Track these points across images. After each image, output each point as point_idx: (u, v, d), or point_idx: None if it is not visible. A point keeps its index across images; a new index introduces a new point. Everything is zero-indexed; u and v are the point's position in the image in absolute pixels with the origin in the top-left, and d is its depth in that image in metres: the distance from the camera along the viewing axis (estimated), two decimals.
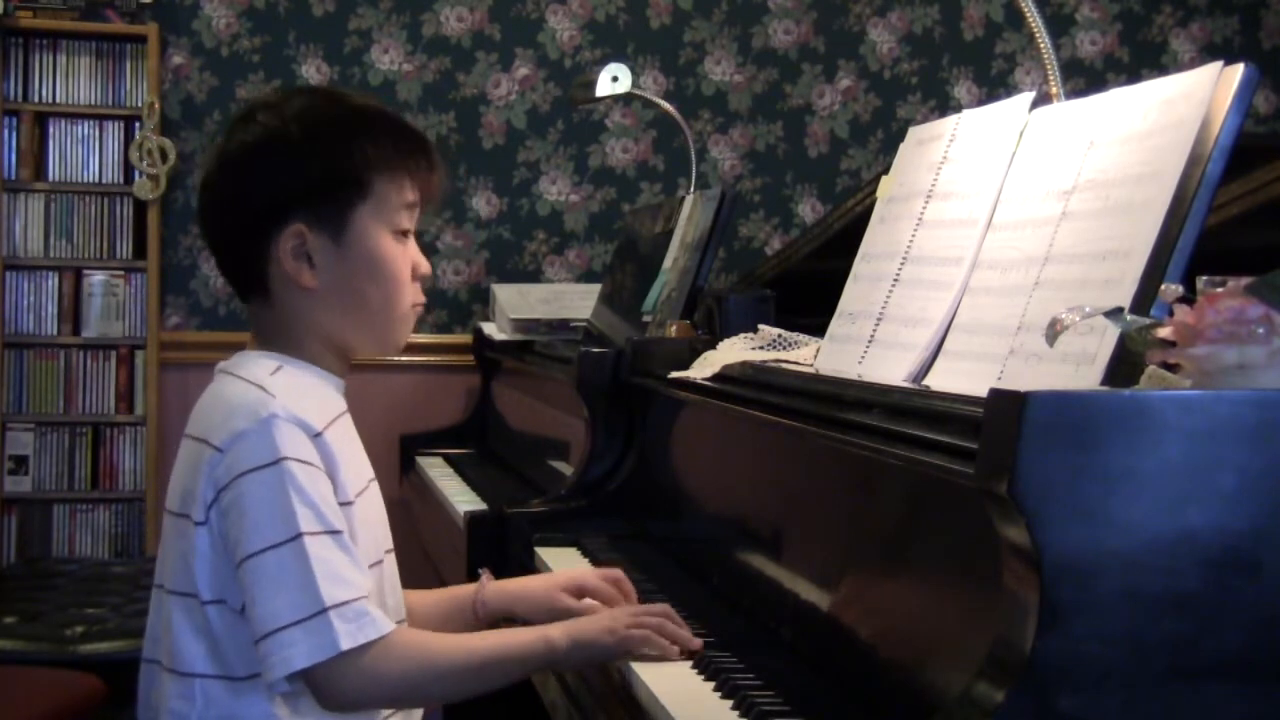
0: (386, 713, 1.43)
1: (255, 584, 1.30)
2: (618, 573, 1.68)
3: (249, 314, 1.48)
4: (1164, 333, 1.07)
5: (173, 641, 1.37)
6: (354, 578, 1.33)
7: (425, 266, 1.48)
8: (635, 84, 3.33)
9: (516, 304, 3.49)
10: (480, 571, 1.69)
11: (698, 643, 1.49)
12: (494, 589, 1.65)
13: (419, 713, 1.51)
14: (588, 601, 1.61)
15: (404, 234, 1.46)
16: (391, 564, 1.51)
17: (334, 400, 1.45)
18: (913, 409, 1.27)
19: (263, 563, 1.30)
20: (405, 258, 1.46)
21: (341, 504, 1.37)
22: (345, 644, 1.29)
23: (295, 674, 1.30)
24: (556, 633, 1.45)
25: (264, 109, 1.45)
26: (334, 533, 1.33)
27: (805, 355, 1.87)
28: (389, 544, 1.51)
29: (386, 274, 1.44)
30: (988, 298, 1.46)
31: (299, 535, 1.30)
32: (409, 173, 1.45)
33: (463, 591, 1.67)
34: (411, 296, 1.47)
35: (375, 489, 1.49)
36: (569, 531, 2.24)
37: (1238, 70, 1.24)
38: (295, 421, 1.34)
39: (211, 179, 1.46)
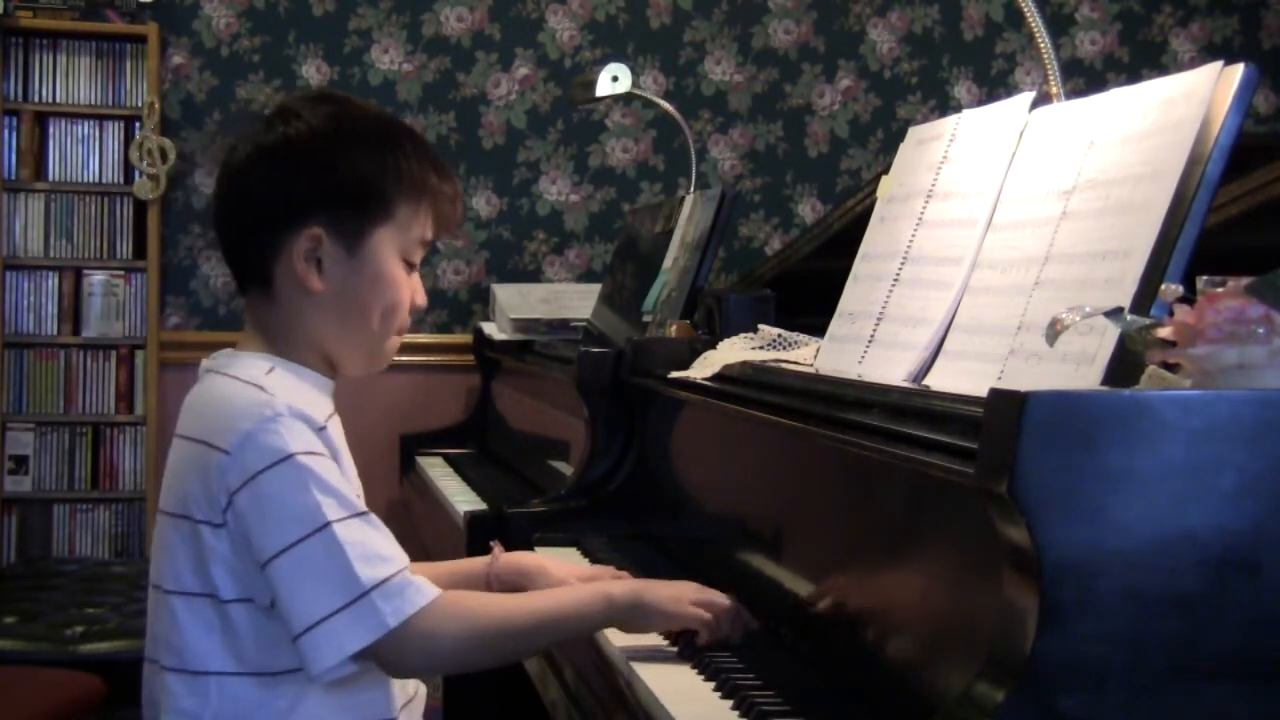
0: (400, 705, 1.44)
1: (289, 579, 1.30)
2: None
3: (246, 305, 1.48)
4: (1164, 333, 1.07)
5: (181, 641, 1.36)
6: (390, 552, 1.34)
7: (422, 299, 1.49)
8: (635, 84, 3.33)
9: (516, 304, 3.50)
10: (491, 544, 1.69)
11: (738, 638, 1.52)
12: (508, 567, 1.65)
13: (420, 707, 1.51)
14: None
15: (411, 266, 1.47)
16: None
17: (326, 401, 1.45)
18: (913, 409, 1.27)
19: (293, 558, 1.30)
20: (408, 287, 1.47)
21: None
22: (392, 621, 1.30)
23: (355, 655, 1.30)
24: (618, 590, 1.49)
25: (308, 106, 1.45)
26: (360, 514, 1.34)
27: (805, 355, 1.86)
28: None
29: (390, 296, 1.45)
30: (988, 297, 1.46)
31: (326, 524, 1.31)
32: (433, 201, 1.45)
33: (472, 565, 1.68)
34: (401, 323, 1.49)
35: (361, 497, 1.49)
36: (569, 531, 2.24)
37: (1238, 70, 1.24)
38: (299, 416, 1.34)
39: (240, 165, 1.45)
